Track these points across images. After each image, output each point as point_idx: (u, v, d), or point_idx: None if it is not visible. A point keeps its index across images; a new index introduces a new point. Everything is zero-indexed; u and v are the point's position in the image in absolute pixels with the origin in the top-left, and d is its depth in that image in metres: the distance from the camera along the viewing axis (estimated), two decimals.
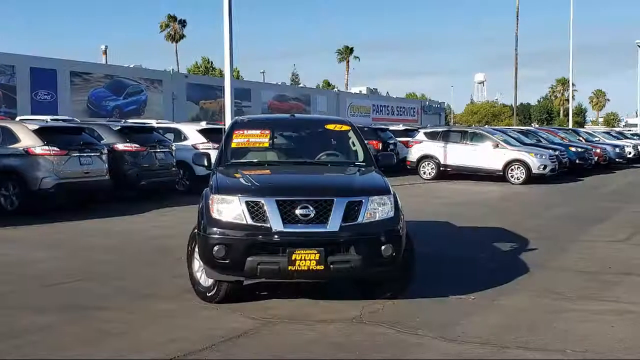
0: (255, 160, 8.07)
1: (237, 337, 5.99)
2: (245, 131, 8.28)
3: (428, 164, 24.46)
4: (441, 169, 23.99)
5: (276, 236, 6.53)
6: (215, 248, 6.61)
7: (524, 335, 6.06)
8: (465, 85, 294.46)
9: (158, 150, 17.15)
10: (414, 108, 68.29)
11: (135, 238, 11.58)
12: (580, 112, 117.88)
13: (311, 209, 6.60)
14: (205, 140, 18.85)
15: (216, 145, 18.61)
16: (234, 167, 7.80)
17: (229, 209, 6.72)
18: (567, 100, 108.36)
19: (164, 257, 9.80)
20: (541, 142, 27.57)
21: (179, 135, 19.32)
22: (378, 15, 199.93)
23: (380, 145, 24.90)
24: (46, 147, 13.87)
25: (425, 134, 25.23)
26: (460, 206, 16.17)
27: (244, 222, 6.63)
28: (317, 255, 6.48)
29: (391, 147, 25.62)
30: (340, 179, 7.59)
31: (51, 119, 21.01)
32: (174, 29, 78.51)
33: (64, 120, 22.24)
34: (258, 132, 8.28)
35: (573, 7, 52.52)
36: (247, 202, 6.67)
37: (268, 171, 7.76)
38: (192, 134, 19.17)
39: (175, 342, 5.84)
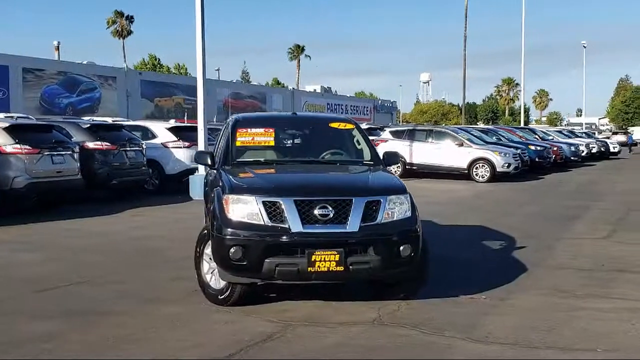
0: (262, 159, 7.91)
1: (263, 341, 5.83)
2: (248, 129, 8.10)
3: None
4: (407, 167, 24.07)
5: (295, 237, 6.39)
6: (232, 249, 6.44)
7: (547, 335, 6.05)
8: (410, 85, 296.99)
9: (128, 148, 16.74)
10: (367, 107, 68.54)
11: (116, 239, 11.29)
12: (525, 112, 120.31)
13: (330, 209, 6.50)
14: (176, 139, 18.52)
15: (187, 144, 18.40)
16: (241, 166, 7.63)
17: (246, 210, 6.55)
18: (512, 100, 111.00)
19: (153, 259, 9.58)
20: (501, 140, 27.95)
21: (146, 134, 18.92)
22: (326, 14, 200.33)
23: None
24: (17, 146, 13.39)
25: (391, 132, 25.33)
26: (435, 205, 16.22)
27: (262, 222, 6.48)
28: (337, 256, 6.38)
29: None
30: (356, 178, 7.49)
31: (5, 116, 20.36)
32: (121, 25, 77.17)
33: (19, 118, 21.58)
34: (262, 130, 8.12)
35: (525, 8, 53.28)
36: (264, 202, 6.52)
37: (278, 170, 7.60)
38: (162, 132, 18.79)
39: (202, 347, 5.68)
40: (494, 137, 28.18)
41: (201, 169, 17.17)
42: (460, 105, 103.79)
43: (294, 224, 6.42)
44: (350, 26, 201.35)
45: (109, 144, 16.16)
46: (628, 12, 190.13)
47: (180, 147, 18.33)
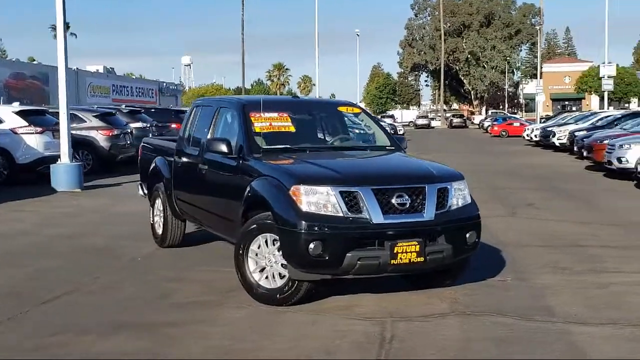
0: (290, 146, 7.40)
1: (389, 341, 5.52)
2: (262, 114, 7.53)
3: None
4: None
5: (378, 228, 6.13)
6: (312, 245, 6.02)
7: (617, 312, 6.34)
8: (170, 67, 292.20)
9: None
10: (152, 89, 66.37)
11: (40, 240, 9.97)
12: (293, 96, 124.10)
13: (406, 197, 6.31)
14: (26, 124, 16.61)
15: (39, 129, 16.63)
16: (273, 154, 7.09)
17: (322, 201, 6.15)
18: (283, 84, 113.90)
19: (114, 259, 8.62)
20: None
21: None
22: None
23: None
24: None
25: None
26: None
27: (341, 214, 6.12)
28: (418, 246, 6.24)
29: None
30: (414, 164, 7.28)
31: None
32: None
33: None
34: (276, 115, 7.59)
35: None
36: (341, 193, 6.15)
37: (324, 158, 7.15)
38: (9, 117, 16.73)
39: (328, 354, 5.26)
40: None
41: (64, 158, 15.62)
42: (233, 90, 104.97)
43: (375, 214, 6.15)
44: (113, 6, 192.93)
45: None
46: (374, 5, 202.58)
47: (32, 133, 16.51)
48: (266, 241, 6.52)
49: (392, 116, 77.82)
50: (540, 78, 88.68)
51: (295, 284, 6.34)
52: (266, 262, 6.53)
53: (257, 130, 7.38)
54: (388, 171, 6.87)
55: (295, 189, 6.22)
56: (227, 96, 9.08)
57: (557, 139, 30.30)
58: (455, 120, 71.46)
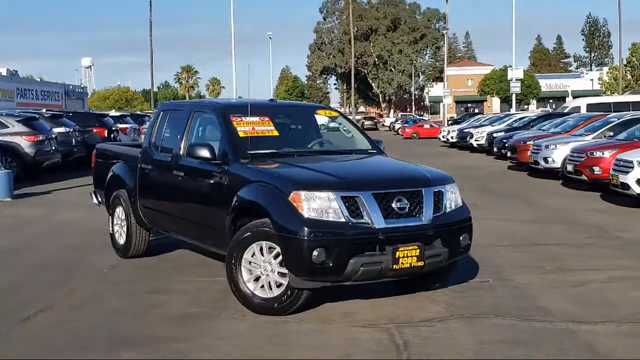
0: (275, 151, 7.23)
1: (404, 348, 5.47)
2: (242, 118, 7.34)
3: None
4: None
5: (380, 233, 6.07)
6: (316, 252, 5.91)
7: (608, 310, 6.50)
8: (73, 69, 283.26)
9: None
10: (58, 92, 63.79)
11: None
12: (200, 99, 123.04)
13: (405, 201, 6.29)
14: None
15: None
16: (262, 159, 6.92)
17: (323, 206, 6.05)
18: (192, 87, 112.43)
19: (81, 273, 8.26)
20: None
21: None
22: None
23: (106, 133, 23.25)
24: None
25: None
26: None
27: (343, 219, 6.04)
28: (418, 250, 6.24)
29: (114, 133, 24.06)
30: (408, 168, 7.24)
31: None
32: None
33: None
34: (257, 119, 7.41)
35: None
36: (343, 198, 6.06)
37: (316, 163, 7.02)
38: None
39: None
40: None
41: None
42: (140, 92, 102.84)
43: (377, 219, 6.10)
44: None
45: None
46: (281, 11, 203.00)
47: None
48: (261, 249, 6.36)
49: None
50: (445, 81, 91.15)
51: (294, 292, 6.21)
52: (261, 270, 6.36)
53: (241, 134, 7.18)
54: (385, 175, 6.84)
55: (295, 195, 6.09)
56: (202, 100, 8.91)
57: (475, 140, 31.13)
58: (367, 123, 72.57)
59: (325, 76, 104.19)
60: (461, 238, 6.63)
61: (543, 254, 9.16)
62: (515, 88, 47.07)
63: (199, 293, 7.18)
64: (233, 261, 6.45)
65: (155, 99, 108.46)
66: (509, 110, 63.22)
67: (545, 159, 19.27)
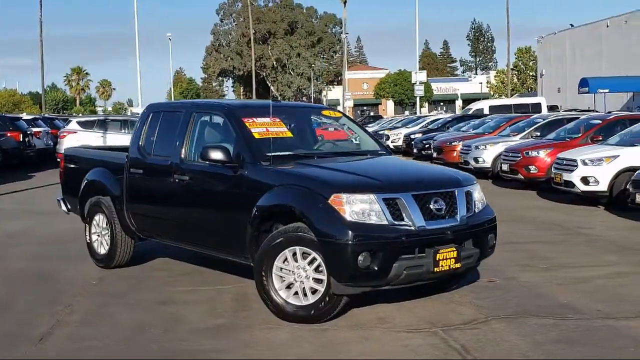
0: (293, 153, 6.98)
1: (465, 351, 5.37)
2: (255, 119, 7.04)
3: None
4: None
5: (421, 236, 5.96)
6: (361, 256, 5.72)
7: (631, 306, 6.62)
8: None
9: None
10: None
11: None
12: (90, 101, 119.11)
13: (442, 202, 6.21)
14: None
15: None
16: (283, 161, 6.65)
17: (365, 209, 5.88)
18: (83, 89, 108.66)
19: (68, 286, 7.73)
20: None
21: None
22: None
23: (20, 137, 22.03)
24: None
25: (79, 123, 23.18)
26: None
27: (385, 222, 5.88)
28: (455, 252, 6.17)
29: (29, 137, 22.83)
30: (434, 169, 7.12)
31: None
32: None
33: None
34: (269, 120, 7.12)
35: None
36: (384, 200, 5.91)
37: (341, 164, 6.80)
38: None
39: None
40: None
41: None
42: (27, 95, 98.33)
43: (418, 221, 5.98)
44: None
45: None
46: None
47: None
48: (294, 255, 6.10)
49: None
50: (341, 85, 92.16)
51: (333, 299, 5.99)
52: (295, 277, 6.11)
53: (257, 136, 6.89)
54: (421, 176, 6.71)
55: (336, 198, 5.88)
56: (201, 100, 8.40)
57: (392, 142, 31.56)
58: None
59: (222, 78, 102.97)
60: (489, 238, 6.61)
61: (527, 252, 9.30)
62: (419, 91, 48.16)
63: (212, 303, 6.84)
64: (263, 269, 6.17)
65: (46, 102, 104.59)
66: (404, 113, 64.84)
67: (476, 159, 19.73)
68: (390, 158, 7.51)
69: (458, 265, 6.18)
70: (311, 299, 6.05)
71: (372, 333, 5.85)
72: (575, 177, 13.83)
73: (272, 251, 6.14)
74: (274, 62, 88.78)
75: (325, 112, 8.16)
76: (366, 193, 5.91)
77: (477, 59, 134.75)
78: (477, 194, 6.69)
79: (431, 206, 6.11)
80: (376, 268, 5.78)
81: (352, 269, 5.74)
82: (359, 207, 5.85)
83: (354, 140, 7.92)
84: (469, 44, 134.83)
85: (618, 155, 13.69)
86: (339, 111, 8.41)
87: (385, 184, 6.11)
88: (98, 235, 8.48)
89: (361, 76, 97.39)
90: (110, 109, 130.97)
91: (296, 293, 6.11)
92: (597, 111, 32.44)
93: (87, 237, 8.62)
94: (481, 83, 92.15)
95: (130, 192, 7.94)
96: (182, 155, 7.32)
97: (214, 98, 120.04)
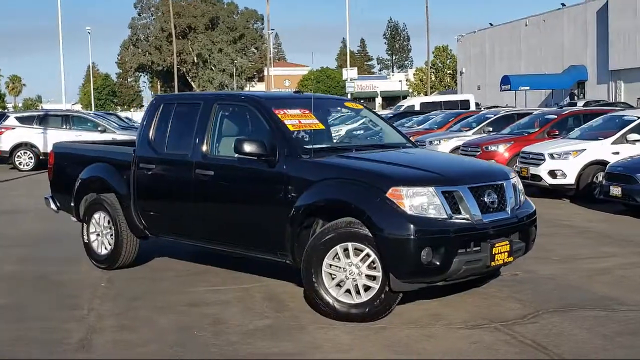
0: (329, 145, 6.71)
1: (543, 347, 5.25)
2: (286, 111, 6.74)
3: (25, 152, 21.39)
4: (41, 158, 21.22)
5: (478, 229, 5.82)
6: (424, 251, 5.54)
7: None
8: None
9: None
10: None
11: None
12: (0, 97, 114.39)
13: (494, 195, 6.09)
14: None
15: None
16: (322, 154, 6.38)
17: (425, 203, 5.70)
18: None
19: (74, 289, 7.25)
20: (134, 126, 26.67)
21: None
22: None
23: None
24: None
25: (18, 118, 21.99)
26: None
27: (445, 216, 5.71)
28: (508, 246, 6.06)
29: None
30: (474, 160, 6.96)
31: None
32: None
33: None
34: (299, 111, 6.83)
35: None
36: (443, 193, 5.74)
37: (383, 156, 6.56)
38: None
39: None
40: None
41: None
42: None
43: (475, 214, 5.84)
44: None
45: None
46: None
47: None
48: (345, 250, 5.85)
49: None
50: (263, 81, 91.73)
51: (389, 296, 5.77)
52: (346, 274, 5.85)
53: (291, 128, 6.59)
54: (472, 169, 6.56)
55: (395, 191, 5.67)
56: (225, 92, 7.98)
57: None
58: None
59: (139, 74, 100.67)
60: (532, 231, 6.53)
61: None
62: (350, 88, 48.37)
63: (244, 303, 6.53)
64: (313, 266, 5.90)
65: None
66: None
67: None
68: (427, 151, 7.37)
69: (511, 259, 6.09)
70: (364, 297, 5.82)
71: (433, 330, 5.67)
72: (542, 170, 14.04)
73: (322, 248, 5.88)
74: (195, 58, 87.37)
75: (347, 104, 7.91)
76: (425, 186, 5.73)
77: (394, 58, 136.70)
78: (520, 186, 6.61)
79: (485, 199, 5.98)
80: (437, 263, 5.60)
81: (414, 264, 5.55)
82: (419, 201, 5.67)
83: (383, 133, 7.67)
84: (385, 43, 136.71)
85: (585, 149, 13.97)
86: (360, 103, 8.18)
87: (443, 176, 5.94)
88: (98, 235, 7.98)
89: (283, 73, 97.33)
90: (20, 104, 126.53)
91: (347, 291, 5.86)
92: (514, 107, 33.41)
93: (85, 237, 8.09)
94: (401, 81, 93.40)
95: (139, 188, 7.49)
96: (204, 149, 6.95)
97: (128, 94, 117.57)
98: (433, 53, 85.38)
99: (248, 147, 6.34)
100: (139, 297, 6.78)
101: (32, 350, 5.33)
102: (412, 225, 5.54)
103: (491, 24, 62.21)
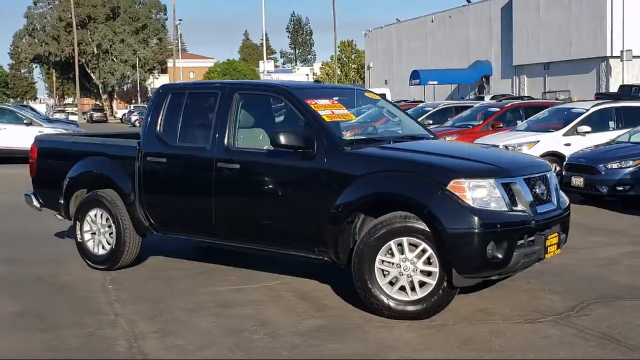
0: (365, 137, 6.47)
1: (612, 339, 5.20)
2: (317, 101, 6.43)
3: None
4: None
5: (534, 221, 5.73)
6: (490, 246, 5.40)
7: None
8: None
9: None
10: None
11: None
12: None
13: (543, 186, 6.03)
14: None
15: None
16: (364, 146, 6.13)
17: (486, 195, 5.55)
18: None
19: (76, 291, 6.74)
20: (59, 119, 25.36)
21: None
22: None
23: None
24: None
25: None
26: None
27: (506, 208, 5.59)
28: (557, 238, 6.02)
29: None
30: (514, 153, 6.81)
31: None
32: None
33: None
34: (329, 102, 6.54)
35: None
36: (503, 184, 5.61)
37: (423, 147, 6.35)
38: None
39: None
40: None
41: None
42: None
43: (532, 206, 5.74)
44: None
45: None
46: None
47: None
48: (399, 245, 5.62)
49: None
50: (166, 73, 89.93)
51: (447, 292, 5.60)
52: (401, 270, 5.63)
53: (327, 119, 6.29)
54: (521, 160, 6.44)
55: (456, 184, 5.49)
56: (246, 80, 7.52)
57: None
58: (96, 115, 68.48)
59: (34, 65, 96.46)
60: (569, 223, 6.50)
61: None
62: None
63: (279, 302, 6.23)
64: (366, 263, 5.64)
65: None
66: None
67: None
68: (461, 142, 7.22)
69: (559, 251, 6.05)
70: (420, 293, 5.61)
71: (496, 326, 5.52)
72: None
73: (374, 243, 5.63)
74: (95, 49, 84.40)
75: (367, 95, 7.66)
76: (486, 178, 5.58)
77: (297, 51, 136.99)
78: (556, 178, 6.58)
79: (537, 190, 5.90)
80: (500, 257, 5.47)
81: (479, 259, 5.40)
82: (481, 193, 5.51)
83: (404, 124, 7.45)
84: (288, 37, 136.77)
85: (539, 141, 14.27)
86: (377, 94, 7.94)
87: (501, 168, 5.80)
88: (94, 234, 7.42)
89: (188, 65, 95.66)
90: None
91: (401, 288, 5.64)
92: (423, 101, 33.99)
93: (78, 236, 7.51)
94: (307, 75, 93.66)
95: (146, 183, 7.01)
96: (226, 142, 6.54)
97: (22, 86, 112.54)
98: (339, 47, 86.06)
99: (286, 140, 6.00)
100: (162, 299, 6.32)
101: None
102: (477, 219, 5.38)
103: (398, 20, 63.22)
